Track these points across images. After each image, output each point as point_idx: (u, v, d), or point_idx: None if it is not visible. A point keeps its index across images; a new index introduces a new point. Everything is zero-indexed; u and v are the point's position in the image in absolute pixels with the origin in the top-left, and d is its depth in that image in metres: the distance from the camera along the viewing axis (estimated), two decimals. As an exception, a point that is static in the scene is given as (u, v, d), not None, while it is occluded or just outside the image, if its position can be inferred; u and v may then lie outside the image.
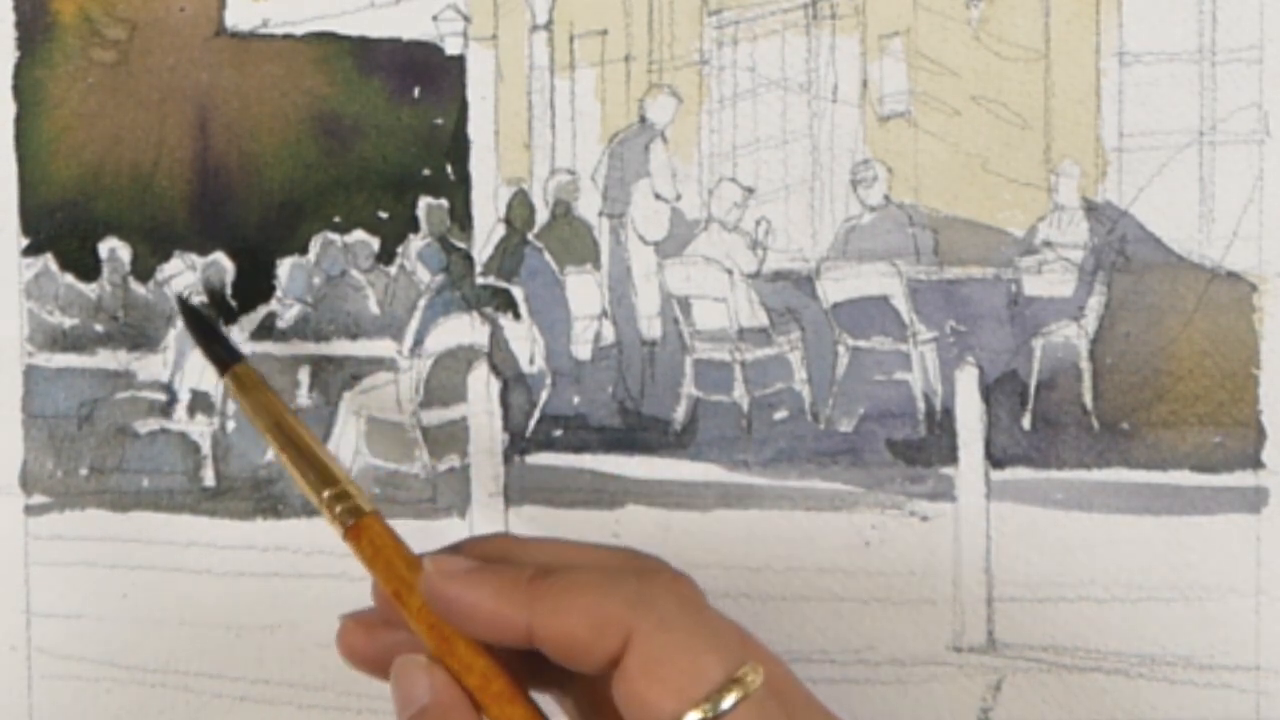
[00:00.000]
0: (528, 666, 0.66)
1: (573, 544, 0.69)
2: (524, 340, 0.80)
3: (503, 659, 0.65)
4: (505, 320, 0.81)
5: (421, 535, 0.80)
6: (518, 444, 0.80)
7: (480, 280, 0.81)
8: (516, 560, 0.67)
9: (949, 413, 0.77)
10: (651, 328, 0.80)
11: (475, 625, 0.65)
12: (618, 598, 0.63)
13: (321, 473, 0.71)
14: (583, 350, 0.80)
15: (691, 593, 0.65)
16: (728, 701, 0.62)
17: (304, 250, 0.81)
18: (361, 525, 0.69)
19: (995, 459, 0.77)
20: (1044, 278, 0.77)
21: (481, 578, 0.65)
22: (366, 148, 0.81)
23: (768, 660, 0.65)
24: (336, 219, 0.81)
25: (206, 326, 0.79)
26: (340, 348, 0.81)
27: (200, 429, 0.82)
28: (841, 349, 0.78)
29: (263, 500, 0.82)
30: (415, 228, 0.81)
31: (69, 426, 0.83)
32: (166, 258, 0.82)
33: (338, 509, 0.70)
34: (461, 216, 0.80)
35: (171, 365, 0.82)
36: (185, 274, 0.82)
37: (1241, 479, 0.75)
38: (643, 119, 0.79)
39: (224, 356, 0.77)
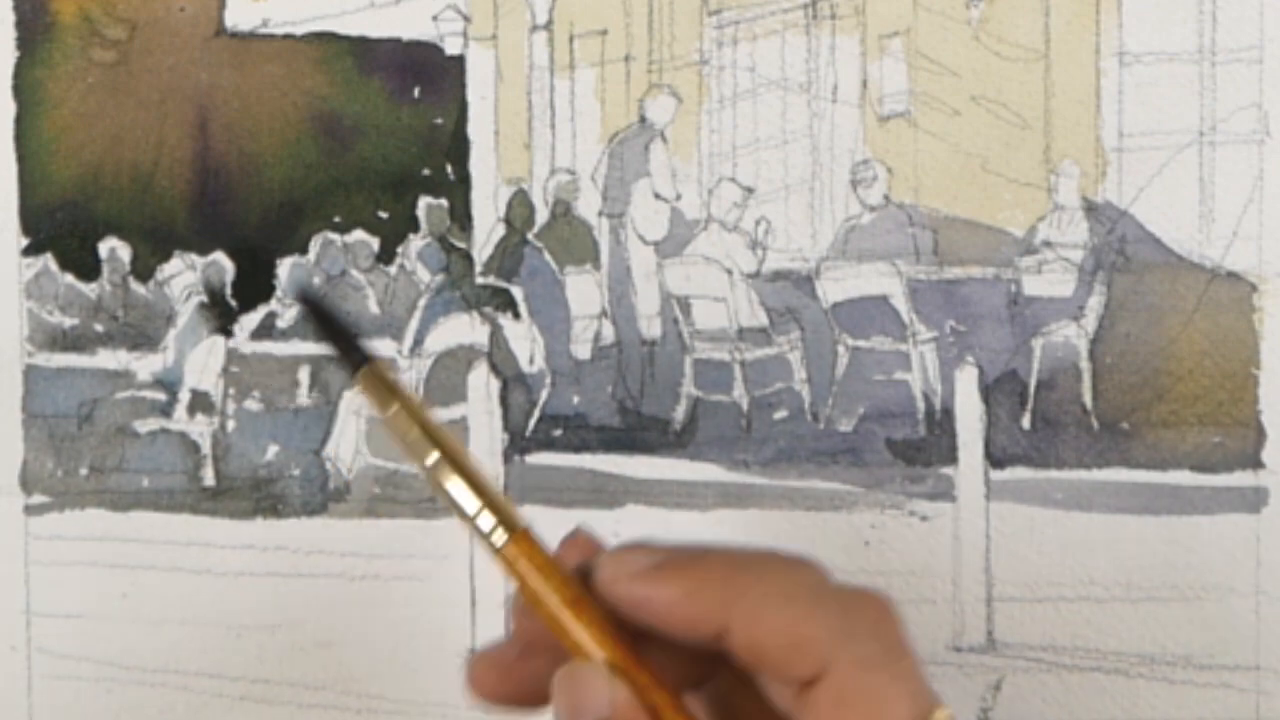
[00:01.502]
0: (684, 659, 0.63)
1: (753, 552, 0.67)
2: (524, 340, 0.80)
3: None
4: (505, 320, 0.81)
5: (422, 535, 0.80)
6: (518, 444, 0.80)
7: (480, 280, 0.81)
8: (713, 558, 0.62)
9: (949, 413, 0.77)
10: (651, 327, 0.80)
11: (667, 625, 0.60)
12: (820, 623, 0.60)
13: (473, 486, 0.64)
14: (583, 350, 0.80)
15: (894, 631, 0.63)
16: None
17: (304, 250, 0.81)
18: (515, 543, 0.62)
19: (995, 459, 0.77)
20: (1044, 278, 0.77)
21: (672, 574, 0.61)
22: (366, 148, 0.81)
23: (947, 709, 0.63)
24: (336, 219, 0.81)
25: (337, 326, 0.67)
26: (340, 348, 0.81)
27: (200, 429, 0.82)
28: (841, 349, 0.78)
29: (263, 500, 0.82)
30: (415, 228, 0.81)
31: (69, 426, 0.83)
32: (166, 258, 0.82)
33: (488, 525, 0.63)
34: (461, 216, 0.80)
35: (171, 365, 0.82)
36: (185, 274, 0.82)
37: (1241, 479, 0.75)
38: (643, 119, 0.79)
39: (356, 357, 0.66)
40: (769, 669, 0.61)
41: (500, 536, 0.63)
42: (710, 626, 0.60)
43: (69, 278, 0.83)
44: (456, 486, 0.62)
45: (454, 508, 0.63)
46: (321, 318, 0.63)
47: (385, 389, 0.64)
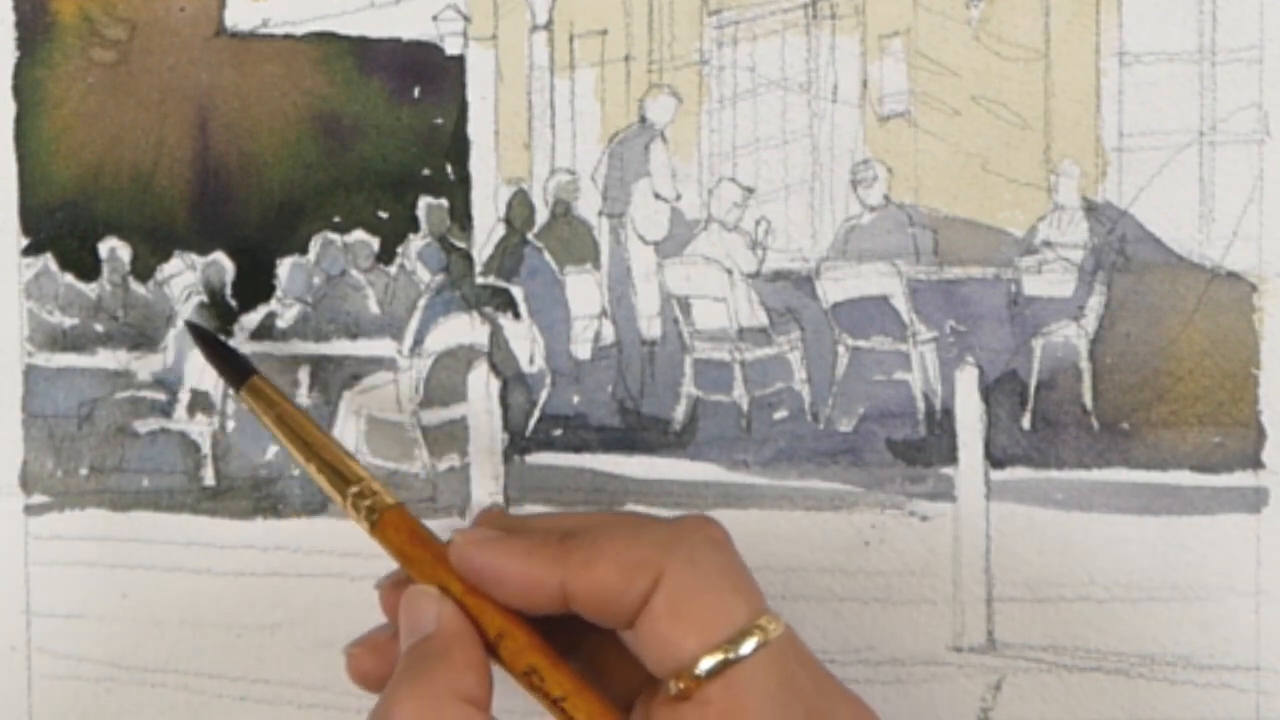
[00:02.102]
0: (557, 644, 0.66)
1: (585, 514, 0.70)
2: (524, 340, 0.80)
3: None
4: (505, 320, 0.81)
5: (421, 535, 0.80)
6: (518, 444, 0.80)
7: (480, 280, 0.81)
8: (537, 530, 0.67)
9: (949, 413, 0.77)
10: (651, 327, 0.80)
11: (508, 589, 0.65)
12: (648, 541, 0.63)
13: (343, 473, 0.72)
14: (582, 350, 0.80)
15: (720, 535, 0.65)
16: (747, 646, 0.62)
17: (304, 250, 0.81)
18: (386, 519, 0.70)
19: (995, 459, 0.77)
20: (1044, 278, 0.77)
21: (513, 542, 0.66)
22: (366, 148, 0.81)
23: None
24: (336, 219, 0.81)
25: (216, 343, 0.78)
26: (340, 348, 0.81)
27: (200, 429, 0.82)
28: (841, 349, 0.78)
29: (263, 500, 0.82)
30: (415, 228, 0.81)
31: (69, 426, 0.83)
32: (166, 258, 0.82)
33: (363, 506, 0.70)
34: (461, 216, 0.80)
35: (171, 365, 0.82)
36: (185, 274, 0.82)
37: (1241, 479, 0.75)
38: (643, 119, 0.79)
39: (238, 371, 0.77)
40: (613, 607, 0.63)
41: (372, 517, 0.70)
42: (550, 587, 0.63)
43: (69, 278, 0.83)
44: (330, 477, 0.72)
45: (331, 495, 0.69)
46: (205, 339, 0.77)
47: (266, 397, 0.75)
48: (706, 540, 0.64)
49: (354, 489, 0.71)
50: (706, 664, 0.61)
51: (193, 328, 0.79)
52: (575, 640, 0.68)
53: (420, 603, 0.66)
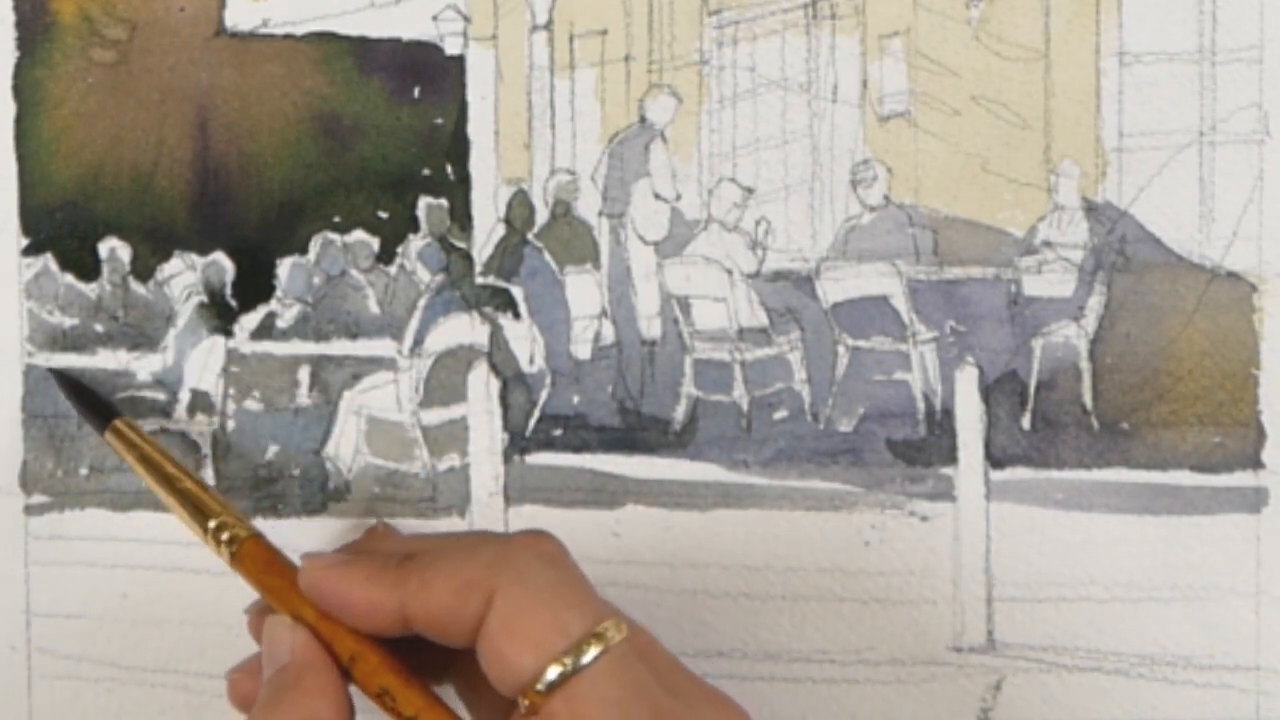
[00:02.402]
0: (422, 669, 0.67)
1: (438, 534, 0.73)
2: (524, 340, 0.80)
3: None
4: (505, 320, 0.81)
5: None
6: (518, 444, 0.80)
7: (480, 280, 0.81)
8: (387, 551, 0.69)
9: (949, 413, 0.77)
10: (651, 328, 0.80)
11: (352, 613, 0.67)
12: (478, 561, 0.64)
13: (200, 507, 0.74)
14: (582, 350, 0.80)
15: (553, 549, 0.66)
16: (587, 656, 0.62)
17: (304, 250, 0.81)
18: (243, 550, 0.72)
19: (995, 459, 0.77)
20: (1044, 278, 0.77)
21: (354, 567, 0.67)
22: (366, 148, 0.81)
23: (630, 622, 0.65)
24: (336, 219, 0.81)
25: (79, 388, 0.81)
26: (340, 347, 0.81)
27: (200, 429, 0.82)
28: (841, 349, 0.78)
29: (263, 500, 0.82)
30: (415, 228, 0.81)
31: (69, 426, 0.83)
32: (166, 258, 0.82)
33: (222, 538, 0.73)
34: (461, 216, 0.80)
35: (171, 365, 0.82)
36: (185, 274, 0.82)
37: (1241, 479, 0.75)
38: (643, 119, 0.79)
39: (101, 414, 0.79)
40: (450, 628, 0.64)
41: (232, 548, 0.72)
42: (389, 609, 0.65)
43: (69, 278, 0.83)
44: (191, 512, 0.74)
45: (193, 530, 0.71)
46: (68, 385, 0.80)
47: (129, 438, 0.77)
48: (537, 556, 0.65)
49: (213, 522, 0.73)
50: (548, 677, 0.62)
51: (56, 374, 0.81)
52: (451, 661, 0.68)
53: (276, 633, 0.68)
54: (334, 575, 0.67)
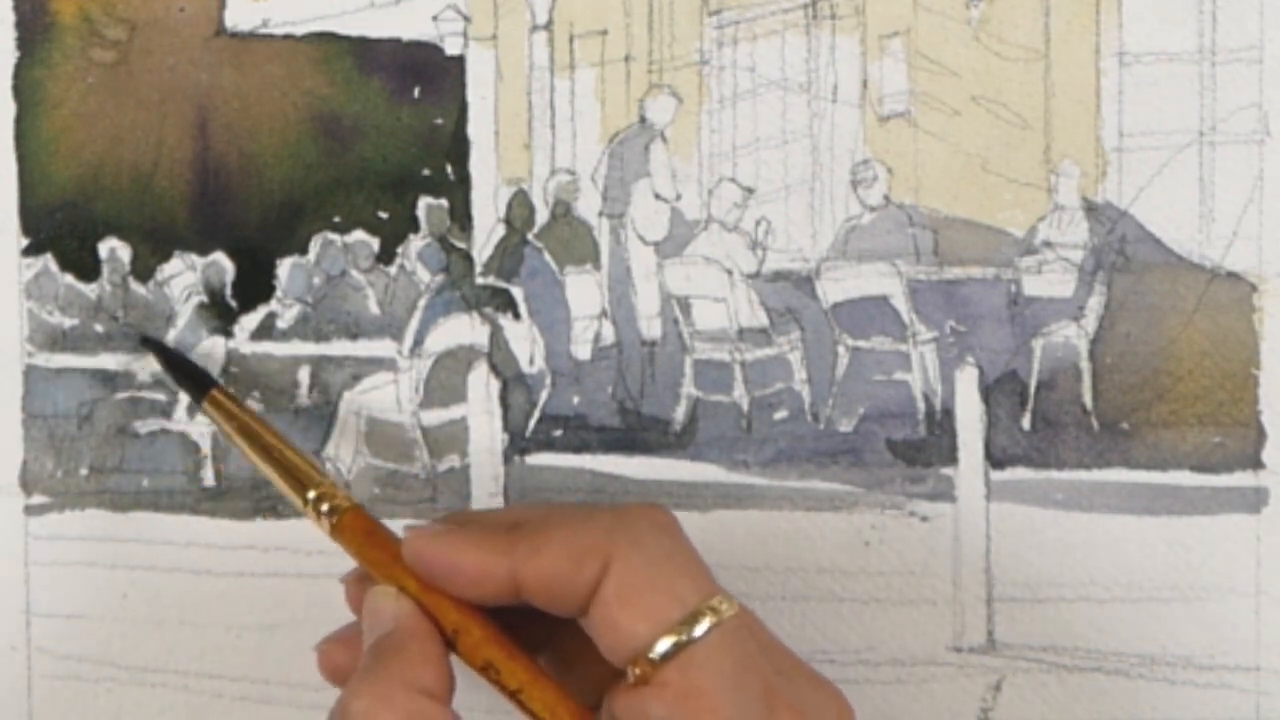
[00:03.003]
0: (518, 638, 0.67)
1: (540, 504, 0.71)
2: (524, 340, 0.80)
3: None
4: (505, 320, 0.81)
5: (421, 535, 0.80)
6: (518, 444, 0.80)
7: (480, 280, 0.81)
8: (487, 522, 0.69)
9: (949, 413, 0.77)
10: (651, 328, 0.80)
11: (461, 580, 0.66)
12: (594, 528, 0.64)
13: (302, 478, 0.73)
14: (583, 350, 0.80)
15: (667, 520, 0.66)
16: (701, 628, 0.62)
17: (304, 250, 0.81)
18: (344, 520, 0.71)
19: (995, 459, 0.77)
20: (1044, 278, 0.77)
21: (462, 534, 0.67)
22: (366, 148, 0.81)
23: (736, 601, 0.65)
24: (336, 219, 0.81)
25: (177, 358, 0.80)
26: (340, 348, 0.81)
27: (200, 429, 0.82)
28: (841, 349, 0.78)
29: (263, 500, 0.82)
30: (415, 228, 0.81)
31: (69, 426, 0.83)
32: (166, 258, 0.82)
33: (322, 509, 0.72)
34: (461, 216, 0.80)
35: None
36: (185, 274, 0.82)
37: (1241, 479, 0.75)
38: (643, 119, 0.79)
39: (198, 384, 0.78)
40: (562, 595, 0.64)
41: (332, 519, 0.71)
42: (500, 576, 0.64)
43: (69, 278, 0.83)
44: (290, 481, 0.73)
45: (292, 499, 0.70)
46: (165, 355, 0.79)
47: (227, 408, 0.76)
48: (653, 525, 0.65)
49: (313, 493, 0.72)
50: (661, 647, 0.62)
51: (149, 342, 0.81)
52: (548, 634, 0.68)
53: (379, 602, 0.68)
54: (442, 542, 0.66)
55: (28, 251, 0.83)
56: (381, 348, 0.81)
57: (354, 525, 0.71)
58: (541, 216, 0.80)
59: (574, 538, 0.64)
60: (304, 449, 0.75)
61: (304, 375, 0.82)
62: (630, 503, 0.68)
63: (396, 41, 0.80)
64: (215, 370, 0.82)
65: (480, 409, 0.80)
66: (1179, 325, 0.75)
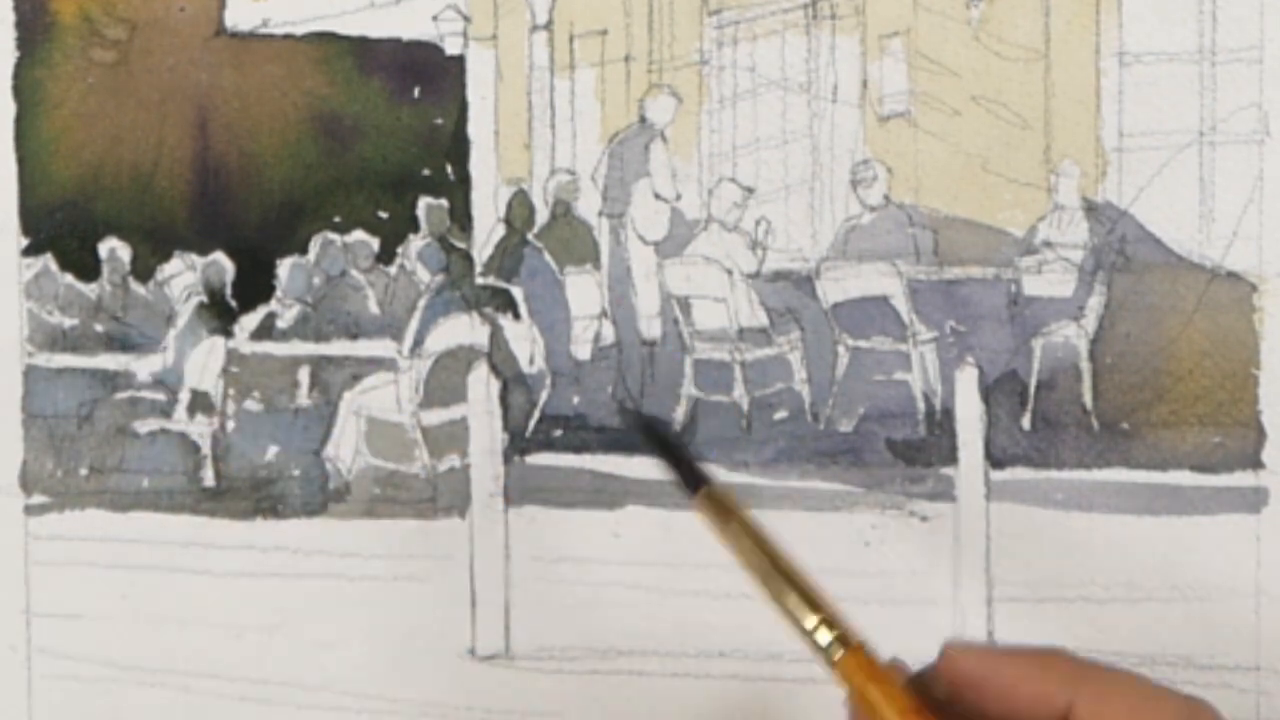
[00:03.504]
0: None
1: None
2: (524, 340, 0.80)
3: None
4: (505, 320, 0.81)
5: (422, 535, 0.80)
6: (518, 444, 0.80)
7: (480, 280, 0.81)
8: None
9: (949, 413, 0.77)
10: (651, 328, 0.80)
11: (1013, 702, 0.62)
12: (1169, 708, 0.62)
13: (808, 601, 0.67)
14: (583, 350, 0.80)
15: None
16: None
17: (304, 250, 0.81)
18: (850, 658, 0.66)
19: (995, 459, 0.77)
20: (1044, 278, 0.77)
21: (1016, 654, 0.64)
22: (366, 148, 0.81)
23: None
24: (336, 219, 0.81)
25: (674, 448, 0.72)
26: (340, 348, 0.81)
27: (200, 429, 0.82)
28: (841, 349, 0.78)
29: (263, 500, 0.82)
30: (415, 228, 0.81)
31: (69, 426, 0.83)
32: (166, 258, 0.82)
33: (824, 639, 0.66)
34: (461, 216, 0.80)
35: (171, 365, 0.82)
36: (185, 274, 0.82)
37: (1241, 479, 0.75)
38: (643, 119, 0.79)
39: (693, 478, 0.70)
40: None
41: (838, 650, 0.65)
42: (1058, 701, 0.61)
43: (69, 278, 0.83)
44: (792, 601, 0.66)
45: (792, 622, 0.66)
46: (662, 444, 0.71)
47: (724, 510, 0.69)
48: None
49: (812, 620, 0.67)
50: None
51: (647, 429, 0.76)
52: None
53: None
54: (993, 659, 0.63)
55: (28, 251, 0.83)
56: (381, 348, 0.81)
57: (858, 663, 0.65)
58: (541, 216, 0.80)
59: (1145, 705, 0.62)
60: (800, 565, 0.69)
61: (304, 375, 0.82)
62: (1192, 697, 0.65)
63: (396, 41, 0.80)
64: (215, 370, 0.82)
65: (480, 409, 0.80)
66: (1179, 325, 0.75)
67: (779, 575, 0.68)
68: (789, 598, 0.67)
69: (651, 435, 0.74)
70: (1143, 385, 0.76)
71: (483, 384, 0.80)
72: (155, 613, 0.82)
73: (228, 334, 0.82)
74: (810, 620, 0.66)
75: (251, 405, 0.82)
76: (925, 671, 0.65)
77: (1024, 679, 0.62)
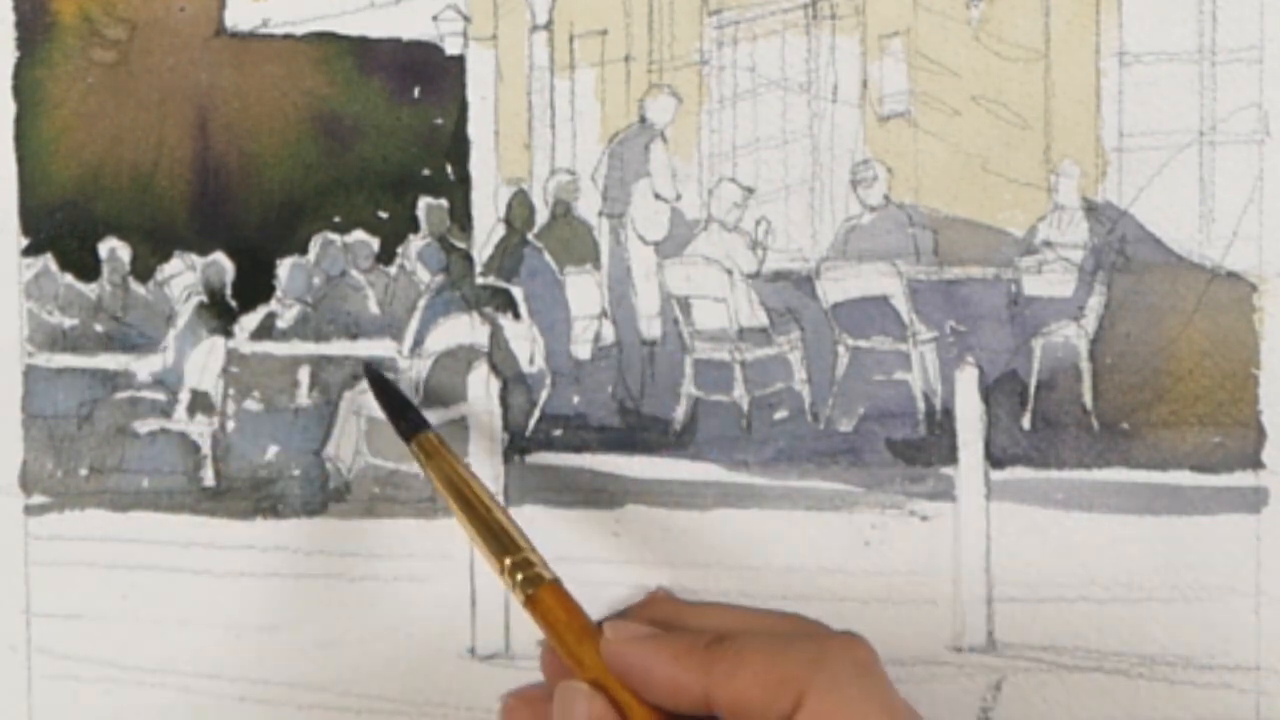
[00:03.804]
0: None
1: (741, 609, 0.71)
2: (524, 340, 0.80)
3: None
4: (505, 320, 0.81)
5: (422, 535, 0.80)
6: (518, 444, 0.80)
7: (480, 280, 0.81)
8: (686, 625, 0.68)
9: (949, 413, 0.77)
10: (651, 328, 0.80)
11: (653, 690, 0.66)
12: (792, 658, 0.63)
13: (503, 540, 0.72)
14: (583, 350, 0.80)
15: (868, 657, 0.65)
16: None
17: (304, 250, 0.81)
18: (540, 594, 0.70)
19: (995, 459, 0.77)
20: (1044, 278, 0.77)
21: (660, 644, 0.66)
22: (366, 148, 0.81)
23: None
24: (336, 219, 0.81)
25: (394, 395, 0.78)
26: (340, 348, 0.81)
27: (200, 429, 0.82)
28: (841, 349, 0.78)
29: (263, 500, 0.82)
30: (415, 228, 0.81)
31: (69, 426, 0.83)
32: (166, 258, 0.82)
33: (519, 577, 0.70)
34: (461, 216, 0.80)
35: (171, 365, 0.82)
36: (185, 274, 0.82)
37: (1241, 479, 0.75)
38: (643, 119, 0.79)
39: (410, 425, 0.77)
40: (752, 717, 0.63)
41: (528, 590, 0.70)
42: (693, 692, 0.64)
43: (69, 278, 0.83)
44: (489, 541, 0.71)
45: (487, 559, 0.69)
46: (382, 389, 0.78)
47: (434, 454, 0.75)
48: (853, 663, 0.64)
49: (509, 559, 0.71)
50: None
51: (370, 372, 0.79)
52: None
53: (571, 696, 0.67)
54: (639, 650, 0.66)
55: (28, 251, 0.83)
56: (381, 347, 0.81)
57: (549, 601, 0.70)
58: (541, 216, 0.80)
59: (771, 667, 0.63)
60: (504, 510, 0.73)
61: (304, 375, 0.82)
62: (831, 632, 0.67)
63: (396, 41, 0.80)
64: (215, 370, 0.82)
65: (480, 408, 0.80)
66: (1179, 325, 0.75)
67: (479, 519, 0.72)
68: (488, 539, 0.72)
69: (374, 383, 0.78)
70: (1143, 385, 0.76)
71: (483, 384, 0.80)
72: (155, 613, 0.82)
73: (228, 334, 0.82)
74: (507, 559, 0.71)
75: (251, 405, 0.82)
76: (624, 611, 0.70)
77: (665, 667, 0.65)
